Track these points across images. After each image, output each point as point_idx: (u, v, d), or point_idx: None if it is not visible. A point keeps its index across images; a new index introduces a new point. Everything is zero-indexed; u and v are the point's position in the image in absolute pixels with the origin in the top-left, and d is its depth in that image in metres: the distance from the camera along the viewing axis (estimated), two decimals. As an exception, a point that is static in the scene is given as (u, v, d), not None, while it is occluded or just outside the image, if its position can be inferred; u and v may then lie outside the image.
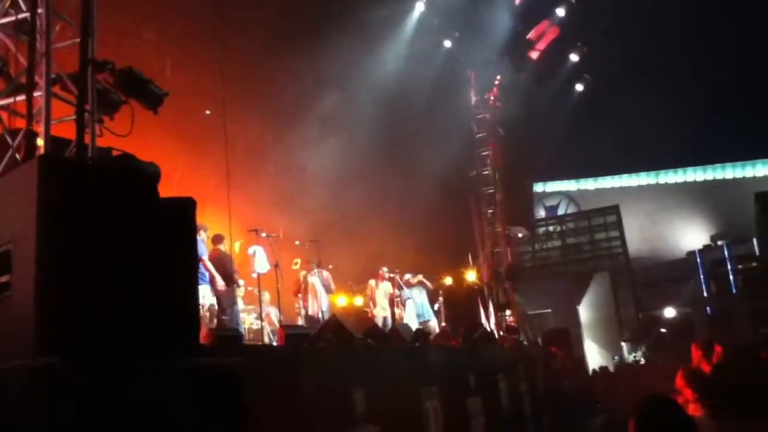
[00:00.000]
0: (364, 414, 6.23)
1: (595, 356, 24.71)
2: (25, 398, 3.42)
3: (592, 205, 30.32)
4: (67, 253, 3.66)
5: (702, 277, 27.17)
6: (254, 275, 11.44)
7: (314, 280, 12.74)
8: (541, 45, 21.72)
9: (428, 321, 14.46)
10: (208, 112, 13.70)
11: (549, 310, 24.56)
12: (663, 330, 25.85)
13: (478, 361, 10.58)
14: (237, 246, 12.29)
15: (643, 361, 22.92)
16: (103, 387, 3.45)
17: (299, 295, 13.10)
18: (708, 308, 25.72)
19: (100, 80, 5.76)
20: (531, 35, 21.47)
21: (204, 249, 10.07)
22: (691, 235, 30.27)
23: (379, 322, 12.92)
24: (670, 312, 26.82)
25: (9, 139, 5.31)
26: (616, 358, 24.65)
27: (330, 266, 13.68)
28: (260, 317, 11.32)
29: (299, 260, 13.73)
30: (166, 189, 4.40)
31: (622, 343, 25.98)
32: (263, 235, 11.38)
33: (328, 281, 13.04)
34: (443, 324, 14.87)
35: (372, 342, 8.06)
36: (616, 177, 34.59)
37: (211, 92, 13.16)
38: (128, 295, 3.78)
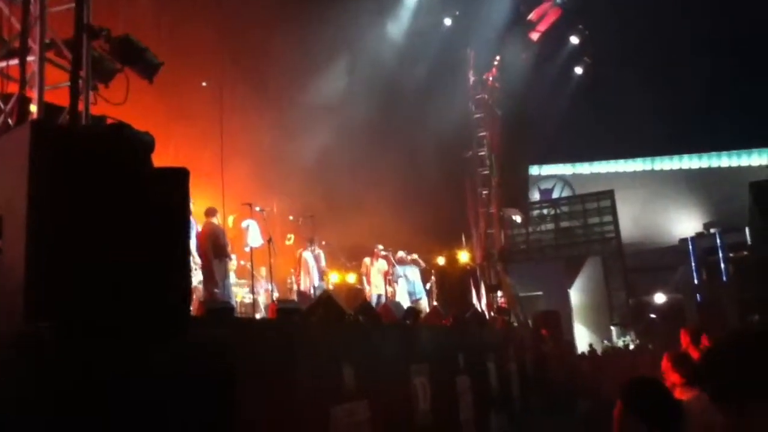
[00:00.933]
0: (353, 389, 6.27)
1: (584, 340, 24.91)
2: (14, 363, 3.42)
3: (587, 189, 30.41)
4: (58, 220, 3.63)
5: (693, 264, 27.35)
6: (247, 249, 11.42)
7: (307, 256, 12.74)
8: (542, 26, 21.59)
9: (419, 300, 14.49)
10: (204, 83, 13.59)
11: (540, 293, 24.70)
12: (653, 315, 26.07)
13: (468, 341, 10.64)
14: (230, 220, 12.25)
15: (632, 346, 23.13)
16: (91, 353, 3.45)
17: (292, 271, 13.11)
18: (698, 295, 25.92)
19: (95, 47, 5.69)
20: (532, 16, 21.33)
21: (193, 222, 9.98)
22: (684, 223, 30.42)
23: (373, 300, 12.94)
24: (660, 298, 27.04)
25: (1, 104, 5.26)
26: (606, 341, 24.87)
27: (323, 242, 13.68)
28: (252, 291, 11.33)
29: (292, 236, 13.73)
30: (160, 159, 4.36)
31: (612, 328, 26.21)
32: (257, 209, 11.34)
33: (319, 258, 13.05)
34: (435, 303, 14.92)
35: (363, 319, 8.08)
36: (612, 162, 34.67)
37: (208, 63, 13.06)
38: (119, 264, 3.75)
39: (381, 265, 13.95)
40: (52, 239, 3.59)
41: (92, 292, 3.61)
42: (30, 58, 5.18)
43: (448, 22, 19.66)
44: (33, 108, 5.18)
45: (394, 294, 14.18)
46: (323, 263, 13.25)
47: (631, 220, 29.44)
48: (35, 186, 3.59)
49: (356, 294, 14.35)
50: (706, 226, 29.25)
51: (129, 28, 6.38)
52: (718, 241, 26.69)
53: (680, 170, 33.93)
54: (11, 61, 5.36)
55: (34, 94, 5.20)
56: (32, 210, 3.56)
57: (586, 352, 21.65)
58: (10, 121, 5.07)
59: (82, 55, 5.31)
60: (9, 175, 3.79)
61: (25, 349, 3.41)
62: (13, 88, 5.34)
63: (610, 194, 28.17)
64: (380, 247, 14.03)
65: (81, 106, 5.30)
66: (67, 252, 3.62)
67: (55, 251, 3.59)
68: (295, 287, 12.93)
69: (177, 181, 4.22)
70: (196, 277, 9.65)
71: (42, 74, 5.19)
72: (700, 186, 32.00)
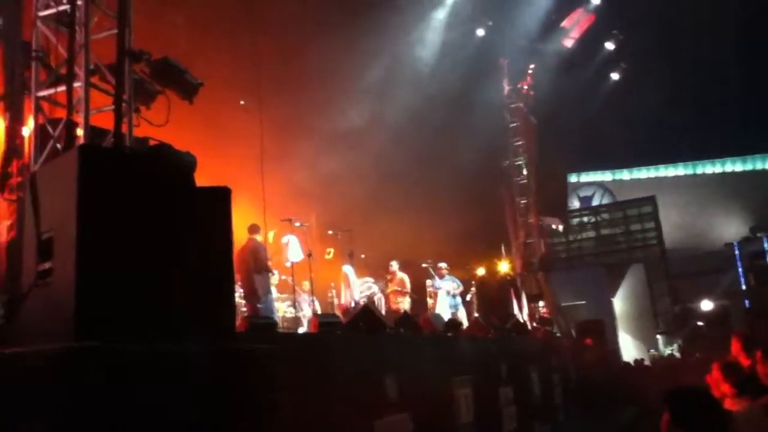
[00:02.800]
0: (395, 402, 6.27)
1: (629, 349, 24.44)
2: (63, 380, 3.51)
3: (628, 195, 29.98)
4: (106, 240, 3.73)
5: (740, 269, 26.68)
6: (288, 264, 11.54)
7: (347, 269, 12.80)
8: (576, 33, 21.45)
9: (456, 311, 14.41)
10: (242, 102, 13.80)
11: (583, 302, 24.31)
12: (699, 323, 25.48)
13: (510, 351, 10.55)
14: (271, 235, 12.39)
15: (678, 355, 22.64)
16: (139, 369, 3.53)
17: (332, 285, 13.17)
18: (746, 301, 25.26)
19: (137, 71, 5.86)
20: (565, 23, 21.21)
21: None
22: (729, 227, 29.74)
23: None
24: (706, 305, 26.42)
25: (50, 129, 5.45)
26: (652, 350, 24.37)
27: (362, 255, 13.72)
28: (294, 305, 11.43)
29: (332, 250, 13.81)
30: (201, 178, 4.46)
31: (657, 336, 25.68)
32: (296, 224, 11.47)
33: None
34: (475, 314, 14.83)
35: (404, 331, 8.10)
36: (653, 168, 34.10)
37: (246, 81, 13.25)
38: (165, 282, 3.85)
39: (399, 282, 13.63)
40: (100, 258, 3.70)
41: (140, 309, 3.71)
42: (76, 84, 5.35)
43: (480, 32, 19.65)
44: (79, 132, 5.36)
45: (434, 306, 14.14)
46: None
47: (674, 225, 28.90)
48: (84, 208, 3.70)
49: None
50: (753, 230, 28.55)
51: (168, 49, 6.56)
52: (766, 244, 26.03)
53: (723, 174, 33.22)
54: (59, 88, 5.55)
55: (80, 118, 5.37)
56: (81, 230, 3.67)
57: (632, 362, 21.24)
58: (58, 145, 5.25)
59: (125, 79, 5.47)
60: (60, 197, 3.92)
61: (75, 367, 3.50)
62: (60, 113, 5.53)
63: (651, 200, 27.71)
64: (394, 264, 13.68)
65: (125, 129, 5.45)
66: (116, 270, 3.72)
67: (104, 270, 3.70)
68: (335, 301, 12.99)
69: (220, 199, 4.31)
70: (239, 293, 9.80)
71: (87, 99, 5.37)
72: (744, 189, 31.26)
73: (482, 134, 18.42)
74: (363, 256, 13.71)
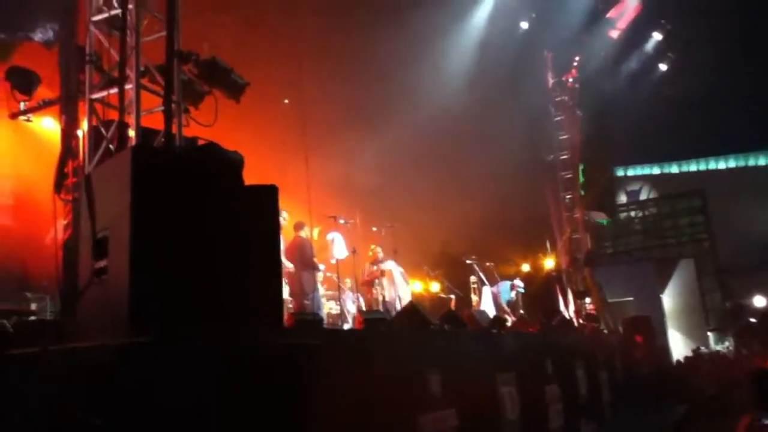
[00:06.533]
0: (440, 398, 6.29)
1: (679, 346, 23.95)
2: (120, 374, 3.63)
3: (676, 189, 29.33)
4: (159, 239, 3.85)
5: (795, 264, 25.88)
6: (333, 261, 11.63)
7: (391, 266, 12.82)
8: (622, 24, 21.06)
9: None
10: (286, 101, 13.95)
11: (631, 298, 23.89)
12: (752, 320, 24.81)
13: (556, 348, 10.46)
14: (315, 232, 12.51)
15: (730, 351, 22.10)
16: (193, 364, 3.62)
17: (376, 281, 13.19)
18: (802, 296, 24.51)
19: (185, 71, 6.00)
20: (611, 13, 20.84)
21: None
22: (783, 220, 28.86)
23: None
24: (759, 301, 25.70)
25: (103, 130, 5.61)
26: (702, 348, 23.83)
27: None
28: (339, 302, 11.52)
29: (375, 246, 13.86)
30: (249, 176, 4.55)
31: (708, 333, 25.10)
32: (341, 221, 11.54)
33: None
34: (521, 311, 14.75)
35: (449, 327, 8.11)
36: (702, 160, 33.31)
37: (290, 80, 13.38)
38: (216, 278, 3.94)
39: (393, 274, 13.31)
40: (153, 257, 3.81)
41: (192, 305, 3.81)
42: (128, 86, 5.50)
43: (524, 25, 19.45)
44: (131, 132, 5.51)
45: (478, 303, 14.11)
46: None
47: (724, 219, 28.16)
48: (137, 208, 3.82)
49: (441, 302, 14.35)
50: (808, 223, 27.69)
51: (213, 49, 6.68)
52: (822, 239, 25.22)
53: (776, 165, 32.30)
54: (111, 90, 5.71)
55: (131, 119, 5.52)
56: (135, 229, 3.80)
57: (683, 359, 20.82)
58: (111, 146, 5.40)
59: (174, 80, 5.60)
60: (113, 198, 4.06)
61: (130, 361, 3.61)
62: (112, 115, 5.69)
63: (701, 193, 27.07)
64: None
65: (174, 129, 5.59)
66: (168, 267, 3.83)
67: (157, 268, 3.82)
68: (380, 297, 13.04)
69: (267, 197, 4.40)
70: (286, 290, 9.92)
71: (139, 101, 5.51)
72: (799, 181, 30.32)
73: (526, 129, 18.24)
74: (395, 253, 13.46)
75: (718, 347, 23.83)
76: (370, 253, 12.84)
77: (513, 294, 15.20)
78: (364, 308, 11.86)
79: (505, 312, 14.05)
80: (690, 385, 15.29)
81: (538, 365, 9.30)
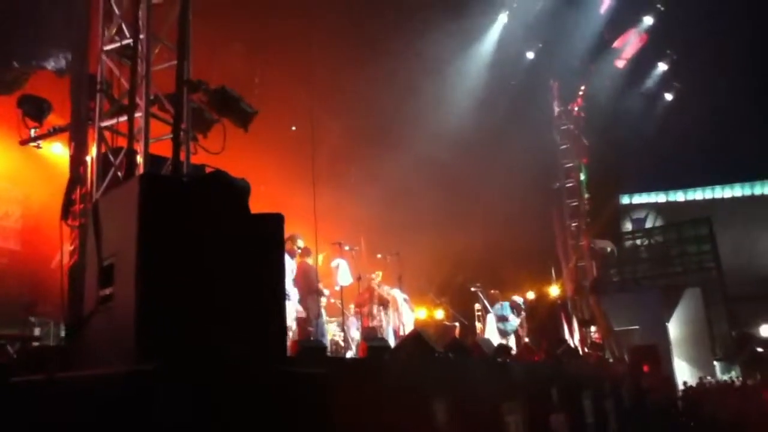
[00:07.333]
0: (444, 426, 6.25)
1: (685, 375, 23.71)
2: (125, 402, 3.63)
3: (682, 217, 29.27)
4: (165, 267, 3.87)
5: (803, 293, 25.71)
6: (337, 288, 11.62)
7: (396, 293, 12.80)
8: (628, 53, 21.22)
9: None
10: (293, 128, 14.04)
11: (636, 327, 23.72)
12: (759, 349, 24.58)
13: (562, 376, 10.39)
14: (320, 258, 12.52)
15: (736, 381, 21.88)
16: (199, 392, 3.62)
17: (381, 308, 13.14)
18: (810, 327, 24.32)
19: (194, 99, 6.06)
20: (617, 44, 21.00)
21: (294, 264, 10.17)
22: (790, 249, 28.73)
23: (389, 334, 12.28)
24: (766, 330, 25.50)
25: (111, 158, 5.66)
26: (709, 378, 23.59)
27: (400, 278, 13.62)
28: (343, 328, 11.48)
29: (380, 273, 13.84)
30: (256, 201, 4.58)
31: (715, 363, 24.87)
32: (346, 248, 11.55)
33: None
34: (525, 339, 14.66)
35: (453, 356, 8.07)
36: (708, 188, 33.28)
37: (297, 108, 13.48)
38: (221, 306, 3.95)
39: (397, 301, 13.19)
40: (160, 284, 3.83)
41: (197, 333, 3.82)
42: (137, 114, 5.56)
43: (530, 55, 19.61)
44: (139, 159, 5.56)
45: (483, 331, 14.05)
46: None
47: (732, 247, 28.04)
48: (144, 236, 3.84)
49: (445, 330, 14.28)
50: (815, 252, 27.56)
51: (224, 77, 6.77)
52: (830, 268, 25.08)
53: (783, 194, 32.24)
54: (120, 118, 5.78)
55: (139, 146, 5.58)
56: (141, 257, 3.81)
57: (688, 388, 20.60)
58: (119, 173, 5.45)
59: (183, 109, 5.66)
60: (120, 225, 4.08)
61: (136, 389, 3.61)
62: (120, 142, 5.75)
63: (707, 221, 27.02)
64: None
65: (182, 156, 5.64)
66: (174, 294, 3.84)
67: (163, 294, 3.83)
68: (384, 324, 12.98)
69: (273, 225, 4.42)
70: (290, 316, 9.90)
71: (147, 128, 5.57)
72: (806, 209, 30.23)
73: (531, 157, 18.29)
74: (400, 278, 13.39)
75: (725, 377, 23.60)
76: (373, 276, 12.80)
77: (517, 320, 15.08)
78: (359, 332, 11.74)
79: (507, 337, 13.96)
80: (698, 414, 15.13)
81: (544, 394, 9.24)
